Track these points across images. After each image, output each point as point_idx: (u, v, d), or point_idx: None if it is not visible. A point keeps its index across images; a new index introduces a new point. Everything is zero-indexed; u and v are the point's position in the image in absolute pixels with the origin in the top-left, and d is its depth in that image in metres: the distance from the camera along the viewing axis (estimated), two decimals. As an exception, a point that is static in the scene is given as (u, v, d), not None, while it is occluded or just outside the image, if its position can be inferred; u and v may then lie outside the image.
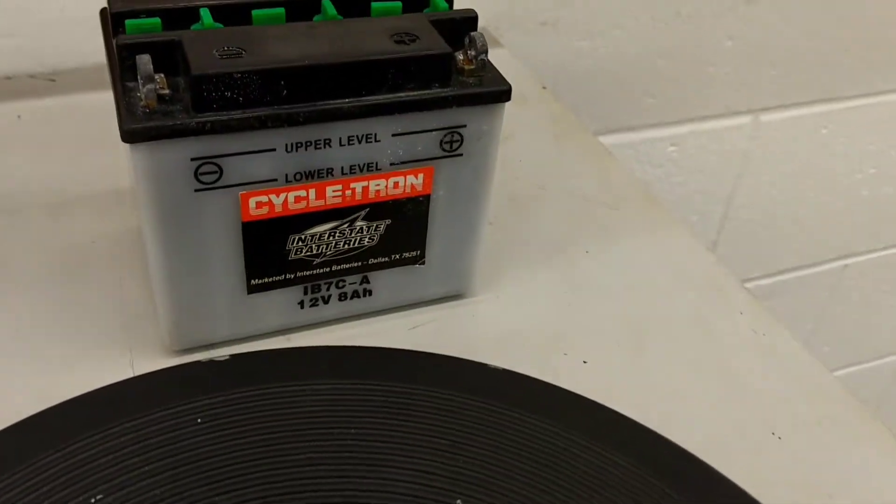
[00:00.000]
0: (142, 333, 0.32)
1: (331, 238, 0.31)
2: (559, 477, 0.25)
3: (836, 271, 0.84)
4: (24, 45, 0.47)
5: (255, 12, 0.29)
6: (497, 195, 0.33)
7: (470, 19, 0.31)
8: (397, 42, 0.29)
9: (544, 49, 0.58)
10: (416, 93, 0.29)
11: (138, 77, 0.26)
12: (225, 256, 0.30)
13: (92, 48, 0.48)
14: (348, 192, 0.30)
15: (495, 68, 0.30)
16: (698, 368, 0.33)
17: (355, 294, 0.33)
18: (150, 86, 0.26)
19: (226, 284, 0.30)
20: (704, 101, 0.67)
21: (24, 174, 0.40)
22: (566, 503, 0.24)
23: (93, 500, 0.22)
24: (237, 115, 0.27)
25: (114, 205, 0.39)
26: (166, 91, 0.27)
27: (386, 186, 0.30)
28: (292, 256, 0.31)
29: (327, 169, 0.29)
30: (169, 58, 0.27)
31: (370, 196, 0.30)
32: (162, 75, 0.27)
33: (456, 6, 0.32)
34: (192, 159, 0.27)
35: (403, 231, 0.32)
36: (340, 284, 0.32)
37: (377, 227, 0.31)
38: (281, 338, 0.33)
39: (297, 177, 0.29)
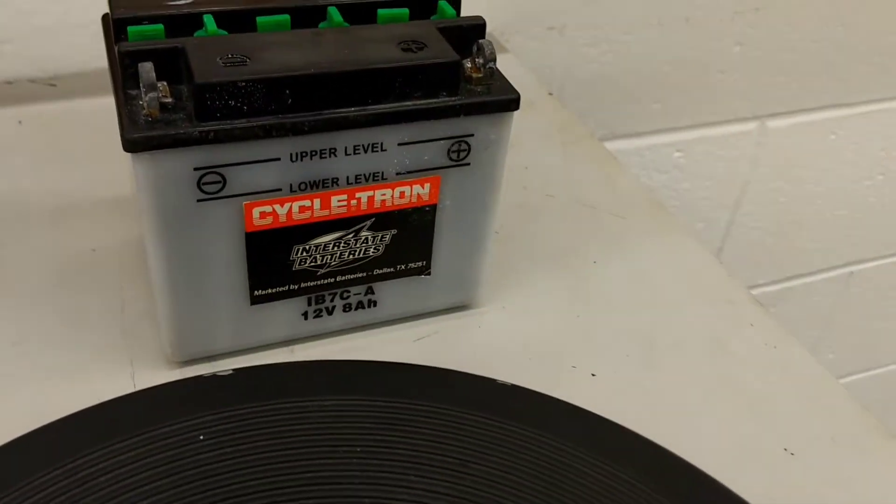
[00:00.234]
0: (143, 344, 0.32)
1: (335, 248, 0.30)
2: (568, 495, 0.24)
3: (843, 278, 0.84)
4: (24, 50, 0.46)
5: (259, 19, 0.29)
6: (503, 203, 0.32)
7: (478, 26, 0.30)
8: (404, 50, 0.28)
9: (551, 54, 0.58)
10: (423, 101, 0.28)
11: (140, 85, 0.26)
12: (228, 267, 0.29)
13: (93, 53, 0.48)
14: (353, 202, 0.29)
15: (503, 76, 0.30)
16: (709, 382, 0.33)
17: (360, 305, 0.32)
18: (152, 94, 0.26)
19: (228, 295, 0.30)
20: (711, 107, 0.66)
21: (24, 180, 0.40)
22: (576, 522, 0.23)
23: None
24: (241, 124, 0.26)
25: (115, 212, 0.38)
26: (169, 99, 0.26)
27: (392, 196, 0.30)
28: (296, 267, 0.30)
29: (332, 178, 0.29)
30: (172, 65, 0.27)
31: (376, 206, 0.30)
32: (164, 83, 0.26)
33: (462, 12, 0.31)
34: (196, 169, 0.26)
35: (409, 241, 0.31)
36: (345, 295, 0.32)
37: (382, 237, 0.31)
38: (284, 349, 0.32)
39: (302, 186, 0.28)
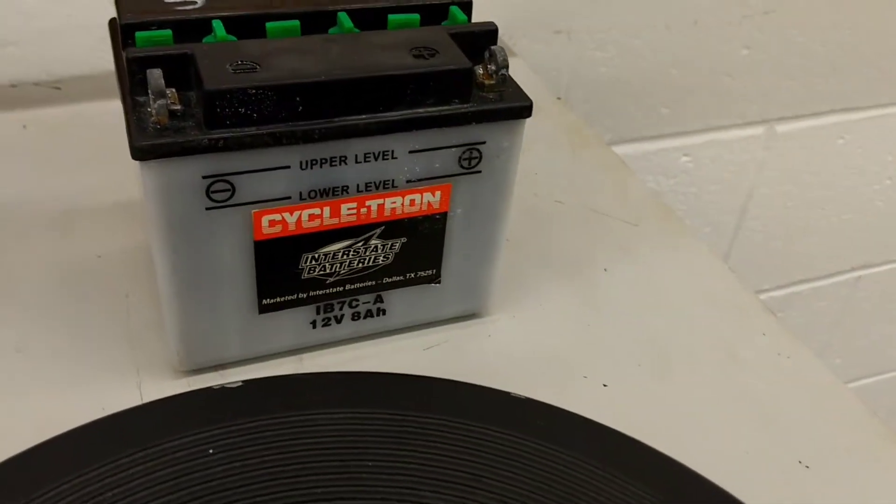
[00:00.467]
0: (149, 352, 0.31)
1: (345, 257, 0.30)
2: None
3: (850, 283, 0.83)
4: (28, 53, 0.46)
5: (269, 25, 0.28)
6: (513, 210, 0.32)
7: (490, 32, 0.30)
8: (416, 56, 0.28)
9: (558, 58, 0.57)
10: (435, 109, 0.28)
11: (149, 92, 0.25)
12: (236, 275, 0.29)
13: (98, 56, 0.47)
14: (363, 210, 0.29)
15: (516, 83, 0.29)
16: (721, 392, 0.32)
17: (369, 314, 0.32)
18: (161, 101, 0.25)
19: (237, 304, 0.29)
20: (719, 110, 0.66)
21: (29, 185, 0.39)
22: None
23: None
24: (251, 131, 0.26)
25: (120, 218, 0.38)
26: (178, 106, 0.26)
27: (402, 204, 0.29)
28: (305, 275, 0.30)
29: (342, 186, 0.28)
30: (181, 71, 0.26)
31: (386, 214, 0.29)
32: (173, 90, 0.26)
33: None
34: (204, 177, 0.26)
35: (419, 249, 0.31)
36: (354, 304, 0.32)
37: (392, 245, 0.30)
38: (292, 358, 0.32)
39: (312, 194, 0.28)
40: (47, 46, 0.46)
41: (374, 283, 0.31)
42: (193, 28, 0.28)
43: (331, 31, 0.29)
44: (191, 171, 0.26)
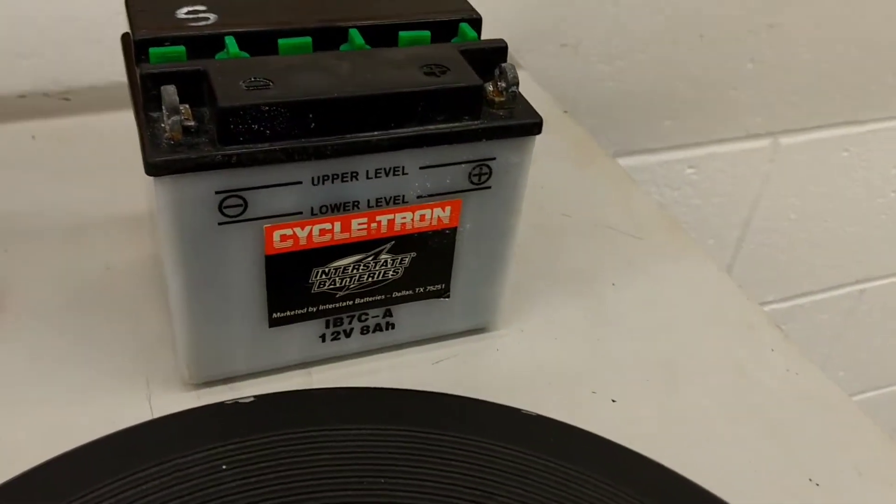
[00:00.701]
0: (159, 365, 0.32)
1: (355, 271, 0.30)
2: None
3: (854, 296, 0.83)
4: (38, 64, 0.46)
5: (281, 41, 0.28)
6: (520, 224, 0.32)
7: (499, 49, 0.30)
8: (427, 73, 0.28)
9: (564, 71, 0.57)
10: (445, 125, 0.28)
11: (163, 108, 0.26)
12: (247, 290, 0.29)
13: (107, 68, 0.47)
14: (374, 225, 0.29)
15: (525, 100, 0.30)
16: (730, 409, 0.32)
17: (378, 328, 0.32)
18: (175, 118, 0.25)
19: (247, 318, 0.30)
20: (724, 123, 0.66)
21: (38, 196, 0.39)
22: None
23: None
24: (264, 147, 0.26)
25: (129, 230, 0.38)
26: (192, 123, 0.26)
27: (412, 219, 0.30)
28: (315, 290, 0.30)
29: (353, 202, 0.28)
30: (194, 87, 0.26)
31: (396, 229, 0.30)
32: (187, 106, 0.26)
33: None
34: (217, 192, 0.26)
35: (428, 264, 0.31)
36: (363, 318, 0.32)
37: (402, 260, 0.30)
38: (301, 371, 0.32)
39: (323, 210, 0.28)
40: (57, 58, 0.46)
41: (383, 297, 0.31)
42: (206, 44, 0.28)
43: (342, 47, 0.29)
44: (204, 187, 0.26)
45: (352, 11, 0.30)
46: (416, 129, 0.28)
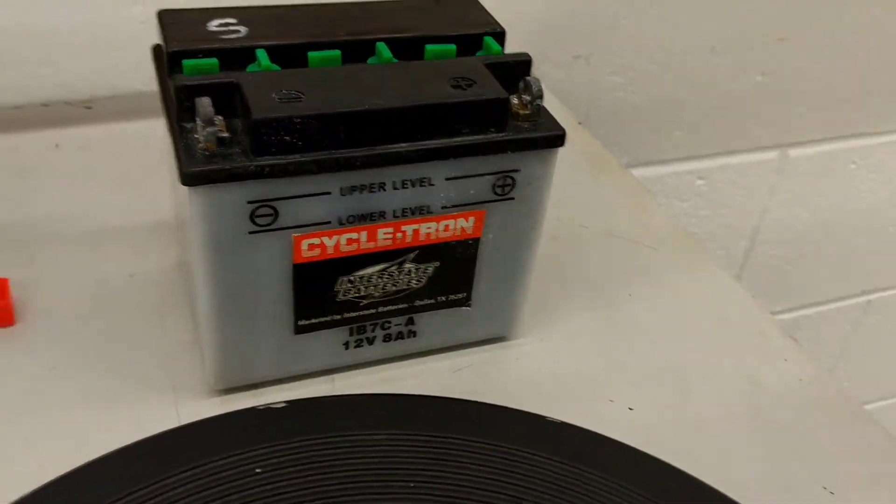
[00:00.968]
0: (183, 371, 0.32)
1: (379, 280, 0.31)
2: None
3: (860, 306, 0.84)
4: (61, 73, 0.47)
5: (311, 54, 0.29)
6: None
7: (524, 63, 0.30)
8: (454, 86, 0.28)
9: (577, 83, 0.58)
10: (471, 137, 0.28)
11: (198, 119, 0.26)
12: (274, 297, 0.29)
13: (128, 77, 0.48)
14: (399, 235, 0.30)
15: (549, 113, 0.30)
16: (744, 418, 0.33)
17: (400, 335, 0.33)
18: (210, 129, 0.26)
19: (274, 325, 0.30)
20: (734, 135, 0.67)
21: (61, 203, 0.40)
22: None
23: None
24: (296, 159, 0.26)
25: (152, 237, 0.38)
26: (226, 134, 0.26)
27: (437, 229, 0.30)
28: (340, 297, 0.30)
29: (380, 212, 0.29)
30: (227, 99, 0.27)
31: (420, 239, 0.30)
32: (221, 118, 0.27)
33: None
34: (249, 202, 0.27)
35: (451, 273, 0.32)
36: (386, 326, 0.32)
37: (425, 269, 0.31)
38: (325, 378, 0.32)
39: (350, 219, 0.29)
40: (79, 67, 0.47)
41: (406, 305, 0.32)
42: (238, 56, 0.29)
43: (369, 60, 0.30)
44: (236, 197, 0.27)
45: (379, 25, 0.31)
46: (444, 140, 0.28)
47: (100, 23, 0.47)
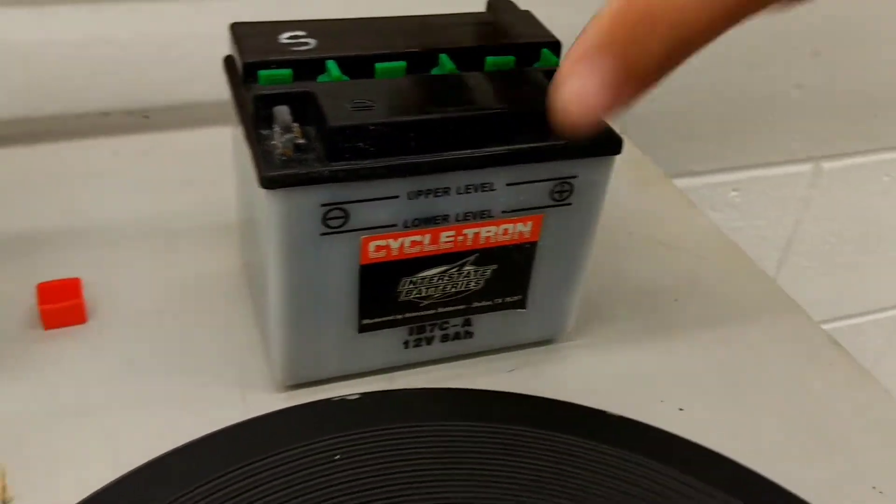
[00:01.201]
0: (249, 368, 0.33)
1: (439, 281, 0.32)
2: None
3: (893, 319, 0.84)
4: (119, 84, 0.49)
5: (378, 65, 0.30)
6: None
7: (579, 74, 0.32)
8: (515, 96, 0.30)
9: (615, 95, 0.59)
10: (532, 144, 0.30)
11: (275, 126, 0.28)
12: (341, 297, 0.31)
13: (183, 88, 0.50)
14: (460, 238, 0.31)
15: (605, 121, 0.31)
16: (793, 420, 0.34)
17: (457, 336, 0.34)
18: (288, 135, 0.27)
19: (339, 323, 0.31)
20: (768, 147, 0.68)
21: (124, 207, 0.41)
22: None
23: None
24: (368, 164, 0.28)
25: (213, 241, 0.40)
26: (302, 140, 0.28)
27: (496, 233, 0.31)
28: (402, 298, 0.32)
29: (443, 215, 0.30)
30: (301, 107, 0.28)
31: (480, 242, 0.31)
32: (297, 125, 0.28)
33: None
34: (323, 205, 0.28)
35: (508, 276, 0.33)
36: (444, 326, 0.33)
37: (484, 271, 0.32)
38: (384, 377, 0.33)
39: (415, 223, 0.30)
40: (137, 78, 0.49)
41: (464, 306, 0.33)
42: (309, 67, 0.30)
43: (433, 70, 0.31)
44: (311, 200, 0.28)
45: (441, 37, 0.32)
46: (505, 147, 0.29)
47: (156, 37, 0.48)
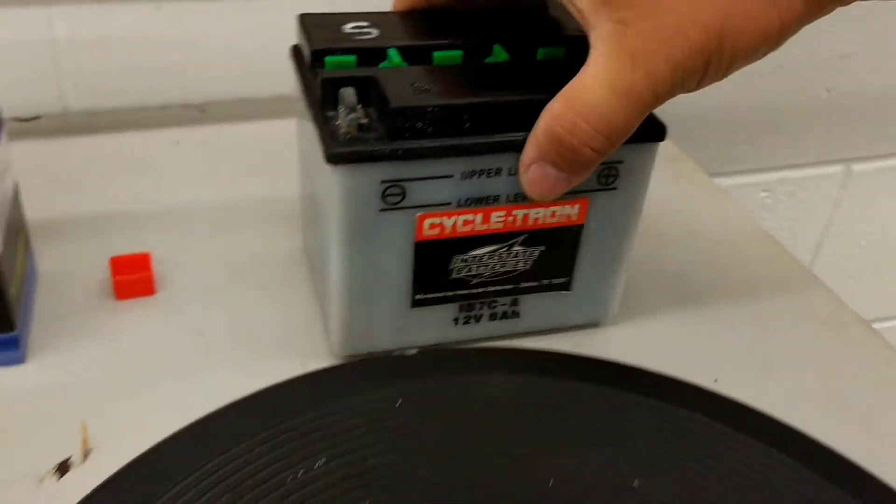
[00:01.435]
0: (307, 340, 0.35)
1: (489, 260, 0.33)
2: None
3: (923, 323, 0.84)
4: (177, 80, 0.51)
5: (436, 54, 0.32)
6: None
7: (625, 65, 0.33)
8: (564, 84, 0.31)
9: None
10: (581, 129, 0.31)
11: (341, 107, 0.30)
12: (397, 272, 0.32)
13: (238, 82, 0.52)
14: (510, 219, 0.33)
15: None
16: (826, 399, 0.35)
17: (504, 315, 0.35)
18: (353, 115, 0.29)
19: (393, 297, 0.33)
20: (799, 149, 0.69)
21: (187, 193, 0.44)
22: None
23: (318, 463, 0.25)
24: (426, 143, 0.29)
25: (272, 223, 0.42)
26: (365, 120, 0.30)
27: (544, 215, 0.33)
28: (454, 275, 0.33)
29: (494, 196, 0.32)
30: (364, 91, 0.30)
31: (529, 223, 0.33)
32: (361, 106, 0.30)
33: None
34: (382, 182, 0.30)
35: (555, 258, 0.34)
36: (492, 305, 0.35)
37: (532, 252, 0.34)
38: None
39: (468, 202, 0.32)
40: (195, 74, 0.51)
41: (512, 286, 0.34)
42: (372, 54, 0.32)
43: (487, 60, 0.33)
44: (372, 176, 0.30)
45: (495, 29, 0.34)
46: (555, 132, 0.31)
47: (212, 35, 0.51)
